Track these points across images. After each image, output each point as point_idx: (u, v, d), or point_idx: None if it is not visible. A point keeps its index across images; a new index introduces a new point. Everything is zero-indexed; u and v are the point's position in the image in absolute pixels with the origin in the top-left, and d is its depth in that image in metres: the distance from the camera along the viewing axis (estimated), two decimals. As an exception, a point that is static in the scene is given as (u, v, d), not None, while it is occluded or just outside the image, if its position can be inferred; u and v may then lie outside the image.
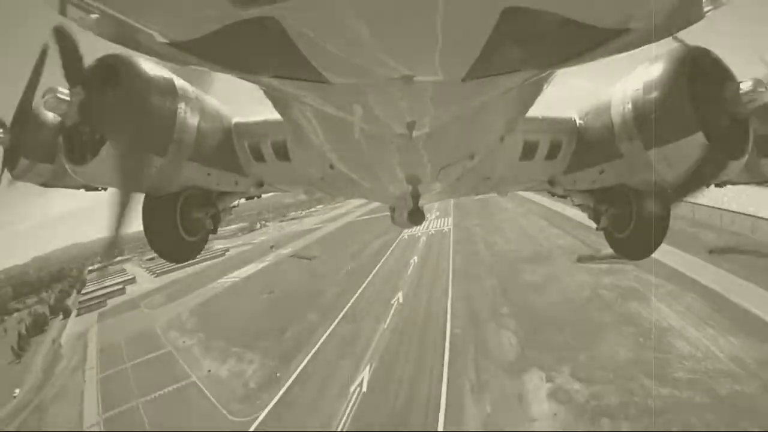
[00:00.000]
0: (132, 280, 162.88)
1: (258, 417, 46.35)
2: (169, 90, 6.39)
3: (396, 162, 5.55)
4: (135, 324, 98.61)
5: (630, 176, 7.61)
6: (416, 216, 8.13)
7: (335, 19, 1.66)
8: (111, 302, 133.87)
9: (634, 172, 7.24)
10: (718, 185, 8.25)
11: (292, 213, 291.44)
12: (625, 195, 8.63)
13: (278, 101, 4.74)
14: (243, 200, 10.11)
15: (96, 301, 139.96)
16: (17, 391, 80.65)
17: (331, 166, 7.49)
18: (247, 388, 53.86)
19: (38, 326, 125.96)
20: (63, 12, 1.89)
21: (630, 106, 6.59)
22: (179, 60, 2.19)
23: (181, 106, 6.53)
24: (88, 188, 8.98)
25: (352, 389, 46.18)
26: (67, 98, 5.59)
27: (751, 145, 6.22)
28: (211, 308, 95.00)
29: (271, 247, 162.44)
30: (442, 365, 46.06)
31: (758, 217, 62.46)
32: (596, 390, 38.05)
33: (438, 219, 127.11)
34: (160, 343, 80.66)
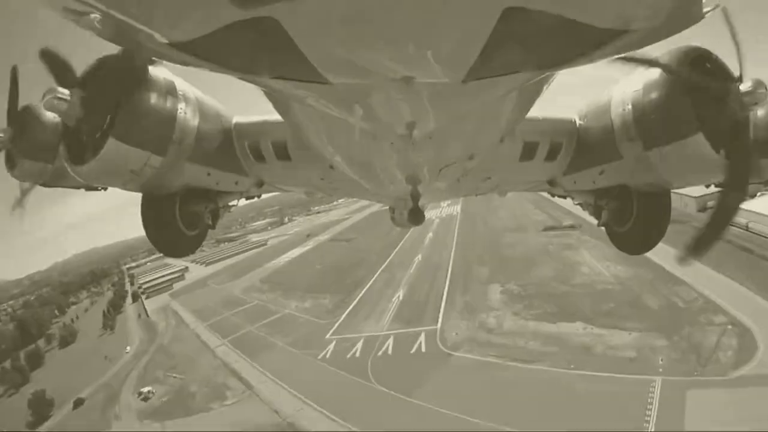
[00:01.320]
0: (185, 269, 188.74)
1: (338, 321, 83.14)
2: (169, 90, 6.50)
3: (396, 162, 5.68)
4: (213, 295, 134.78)
5: (630, 177, 7.67)
6: (416, 216, 7.97)
7: (335, 19, 1.71)
8: (175, 286, 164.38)
9: (634, 173, 7.29)
10: (717, 186, 8.03)
11: (316, 208, 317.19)
12: (626, 189, 8.48)
13: (278, 102, 4.80)
14: (244, 200, 10.28)
15: (160, 286, 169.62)
16: (128, 348, 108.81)
17: (332, 166, 7.77)
18: (326, 310, 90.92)
19: (116, 308, 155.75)
20: (64, 13, 1.98)
21: (630, 106, 6.63)
22: (179, 60, 2.28)
23: (181, 106, 6.65)
24: (88, 188, 9.07)
25: (393, 299, 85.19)
26: (67, 98, 5.64)
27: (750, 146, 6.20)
28: (277, 278, 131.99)
29: (308, 235, 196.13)
30: (444, 283, 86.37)
31: (688, 195, 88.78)
32: (525, 290, 74.82)
33: (450, 206, 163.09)
34: (247, 300, 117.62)
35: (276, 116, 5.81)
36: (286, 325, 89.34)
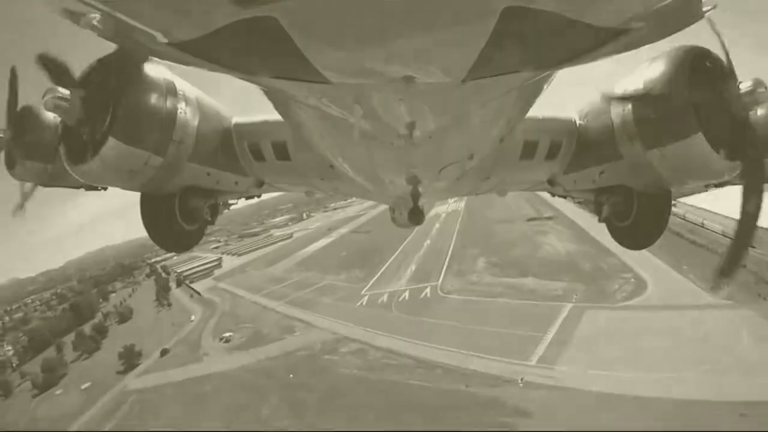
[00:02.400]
0: (220, 259, 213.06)
1: (368, 284, 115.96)
2: (169, 90, 6.59)
3: (396, 162, 5.82)
4: (255, 277, 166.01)
5: (630, 177, 7.79)
6: (416, 216, 8.26)
7: (335, 19, 1.74)
8: (215, 272, 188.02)
9: (635, 172, 7.37)
10: (717, 186, 8.40)
11: (333, 204, 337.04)
12: (627, 187, 8.57)
13: (278, 101, 4.86)
14: (244, 200, 10.41)
15: (200, 273, 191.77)
16: (193, 316, 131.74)
17: (332, 166, 7.85)
18: (358, 279, 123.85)
19: (165, 290, 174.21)
20: (64, 13, 2.02)
21: (630, 106, 6.74)
22: (180, 60, 2.33)
23: (181, 106, 6.76)
24: (88, 188, 9.17)
25: (408, 272, 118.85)
26: (67, 98, 5.72)
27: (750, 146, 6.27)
28: (310, 262, 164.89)
29: (329, 229, 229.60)
30: (445, 259, 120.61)
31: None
32: (502, 260, 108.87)
33: (456, 202, 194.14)
34: (289, 278, 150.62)
35: (276, 116, 5.84)
36: (328, 290, 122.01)
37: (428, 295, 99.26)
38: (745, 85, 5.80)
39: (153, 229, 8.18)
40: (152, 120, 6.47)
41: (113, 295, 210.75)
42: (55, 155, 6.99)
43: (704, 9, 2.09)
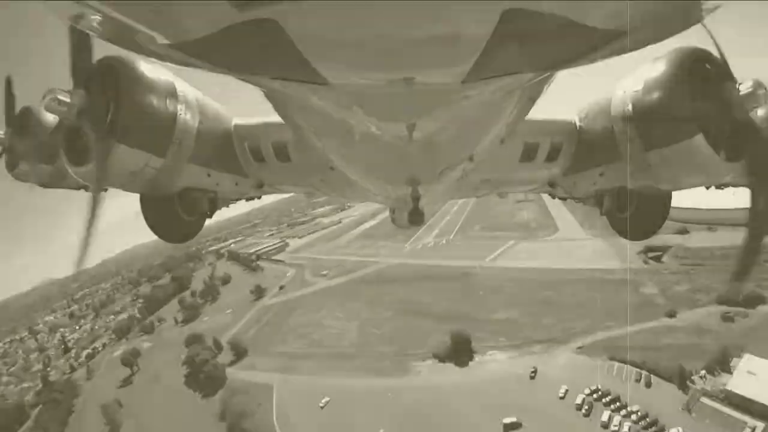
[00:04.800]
0: (285, 242, 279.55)
1: (407, 243, 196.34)
2: (169, 92, 6.79)
3: (396, 164, 5.91)
4: (325, 247, 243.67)
5: (630, 178, 7.91)
6: (416, 217, 8.41)
7: (335, 20, 1.78)
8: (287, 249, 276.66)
9: (635, 174, 7.52)
10: (718, 187, 8.80)
11: None
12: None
13: (278, 103, 4.98)
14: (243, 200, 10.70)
15: (274, 251, 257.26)
16: (289, 272, 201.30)
17: (332, 168, 8.06)
18: (401, 240, 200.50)
19: (248, 263, 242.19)
20: (64, 15, 2.10)
21: (630, 107, 6.91)
22: (180, 62, 2.39)
23: (182, 108, 6.96)
24: (88, 189, 9.12)
25: (433, 234, 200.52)
26: (67, 100, 5.83)
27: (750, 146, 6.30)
28: (363, 236, 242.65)
29: (372, 215, 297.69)
30: (456, 227, 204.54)
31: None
32: (490, 226, 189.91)
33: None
34: (351, 245, 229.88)
35: (276, 118, 5.95)
36: (382, 248, 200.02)
37: (444, 242, 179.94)
38: (745, 87, 5.89)
39: (153, 220, 8.41)
40: (152, 121, 6.64)
41: (194, 274, 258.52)
42: (56, 156, 7.36)
43: (704, 11, 2.19)
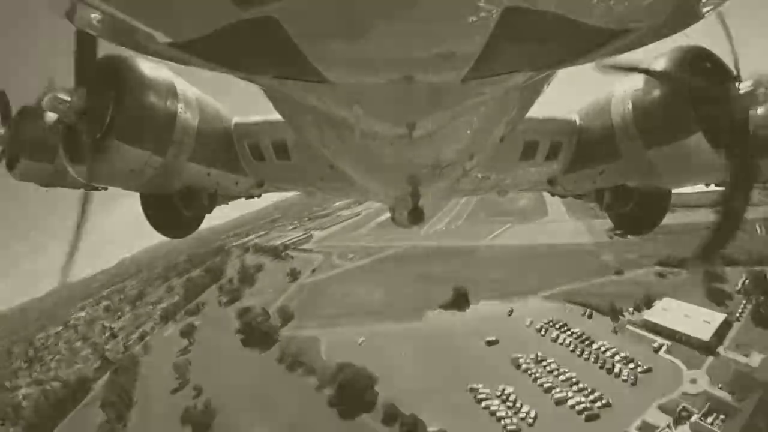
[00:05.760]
0: (310, 233, 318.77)
1: (423, 229, 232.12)
2: (169, 91, 6.91)
3: (396, 162, 5.95)
4: (348, 236, 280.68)
5: (630, 177, 8.19)
6: (416, 216, 8.51)
7: (335, 19, 1.81)
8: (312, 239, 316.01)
9: (634, 172, 7.76)
10: (717, 185, 8.58)
11: None
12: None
13: (279, 101, 5.02)
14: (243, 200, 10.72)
15: (301, 242, 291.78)
16: (315, 265, 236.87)
17: (331, 166, 8.19)
18: (418, 229, 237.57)
19: (277, 254, 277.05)
20: (65, 13, 2.08)
21: (630, 105, 7.08)
22: (180, 60, 2.41)
23: (181, 106, 7.08)
24: (88, 188, 9.21)
25: (445, 221, 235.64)
26: (67, 99, 5.94)
27: (750, 146, 6.41)
28: (383, 226, 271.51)
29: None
30: (462, 218, 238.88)
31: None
32: (494, 211, 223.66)
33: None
34: (373, 234, 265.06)
35: (276, 116, 6.04)
36: (400, 232, 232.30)
37: (453, 228, 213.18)
38: (744, 85, 6.05)
39: (153, 216, 8.60)
40: (152, 120, 6.75)
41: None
42: (56, 155, 7.55)
43: (704, 9, 2.17)
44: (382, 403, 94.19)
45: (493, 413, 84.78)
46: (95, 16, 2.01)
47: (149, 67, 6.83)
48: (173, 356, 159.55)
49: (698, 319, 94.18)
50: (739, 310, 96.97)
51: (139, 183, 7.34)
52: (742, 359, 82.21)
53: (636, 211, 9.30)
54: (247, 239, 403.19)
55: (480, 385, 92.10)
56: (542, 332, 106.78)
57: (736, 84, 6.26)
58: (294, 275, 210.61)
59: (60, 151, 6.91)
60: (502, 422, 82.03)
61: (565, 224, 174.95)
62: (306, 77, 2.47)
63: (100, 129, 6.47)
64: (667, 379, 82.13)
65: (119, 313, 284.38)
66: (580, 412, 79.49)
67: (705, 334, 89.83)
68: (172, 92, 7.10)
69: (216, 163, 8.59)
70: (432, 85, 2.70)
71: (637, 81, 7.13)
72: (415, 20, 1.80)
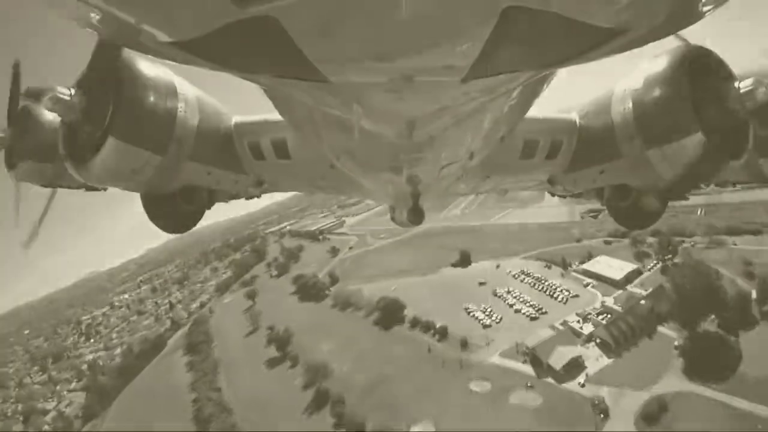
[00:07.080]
0: (342, 220, 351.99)
1: (442, 214, 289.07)
2: (169, 90, 7.03)
3: (396, 161, 6.08)
4: (380, 221, 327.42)
5: (630, 176, 8.36)
6: (416, 215, 8.55)
7: (335, 18, 1.84)
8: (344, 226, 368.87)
9: (635, 171, 7.89)
10: (717, 185, 9.12)
11: None
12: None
13: (279, 101, 5.14)
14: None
15: (335, 227, 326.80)
16: (351, 244, 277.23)
17: (332, 166, 8.36)
18: (438, 214, 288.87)
19: (314, 237, 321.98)
20: (65, 12, 2.13)
21: (630, 105, 7.22)
22: (180, 59, 2.45)
23: (181, 105, 7.20)
24: (89, 188, 9.70)
25: (460, 208, 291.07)
26: (67, 98, 6.04)
27: (750, 145, 6.77)
28: None
29: None
30: (475, 205, 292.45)
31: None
32: (504, 199, 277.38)
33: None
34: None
35: (276, 115, 6.19)
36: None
37: (468, 212, 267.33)
38: (744, 85, 6.14)
39: (153, 211, 8.69)
40: (152, 119, 6.86)
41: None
42: (56, 155, 7.41)
43: (704, 9, 2.20)
44: (408, 319, 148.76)
45: (477, 319, 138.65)
46: (95, 15, 2.02)
47: (149, 66, 6.97)
48: (239, 314, 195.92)
49: (618, 269, 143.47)
50: (651, 265, 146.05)
51: (139, 182, 7.51)
52: (639, 291, 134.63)
53: (636, 207, 9.49)
54: (279, 227, 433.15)
55: (471, 305, 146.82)
56: (515, 277, 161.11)
57: (736, 84, 6.37)
58: (334, 252, 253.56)
59: (60, 150, 7.01)
60: (481, 323, 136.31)
61: (555, 208, 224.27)
62: (306, 77, 2.53)
63: (100, 128, 6.63)
64: (587, 301, 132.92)
65: (167, 293, 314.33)
66: (527, 316, 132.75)
67: (618, 276, 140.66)
68: (171, 91, 7.24)
69: (216, 162, 8.71)
70: (432, 85, 2.82)
71: (637, 80, 7.28)
72: (415, 20, 1.84)
